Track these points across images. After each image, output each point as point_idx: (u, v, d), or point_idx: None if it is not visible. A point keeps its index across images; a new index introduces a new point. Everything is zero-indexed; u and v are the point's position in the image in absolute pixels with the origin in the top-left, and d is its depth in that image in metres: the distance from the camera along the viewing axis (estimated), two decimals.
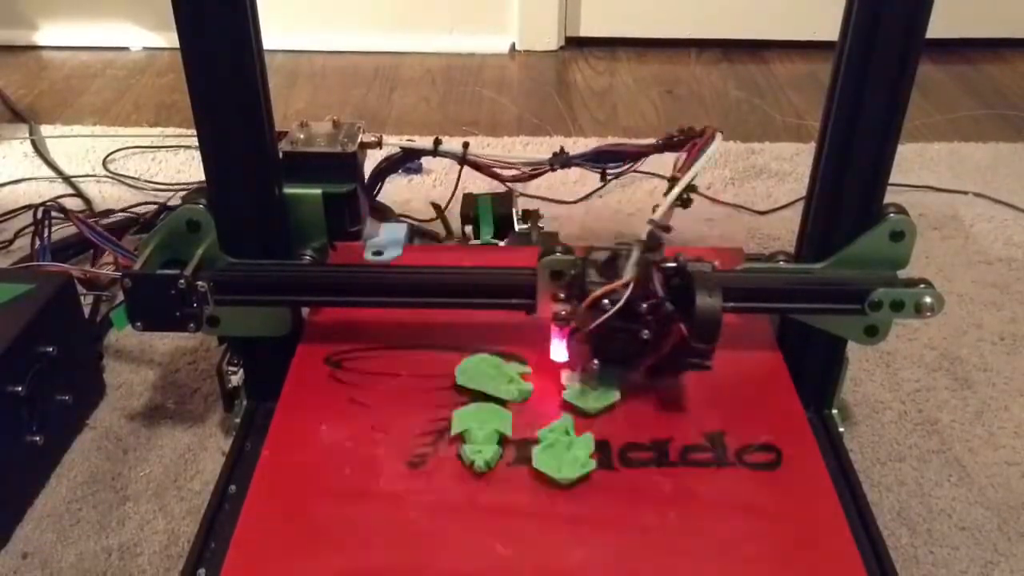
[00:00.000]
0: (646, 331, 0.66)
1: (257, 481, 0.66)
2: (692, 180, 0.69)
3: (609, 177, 0.79)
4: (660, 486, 0.65)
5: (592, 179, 0.86)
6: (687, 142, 0.74)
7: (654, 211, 0.69)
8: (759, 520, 0.63)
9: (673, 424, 0.70)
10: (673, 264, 0.67)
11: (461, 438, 0.68)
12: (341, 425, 0.70)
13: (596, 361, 0.69)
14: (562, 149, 0.77)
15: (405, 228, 0.88)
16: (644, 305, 0.66)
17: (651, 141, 0.79)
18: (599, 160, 0.77)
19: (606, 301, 0.65)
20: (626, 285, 0.65)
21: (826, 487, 0.65)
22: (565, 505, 0.63)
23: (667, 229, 0.67)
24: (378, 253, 0.84)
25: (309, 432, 0.70)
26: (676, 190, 0.68)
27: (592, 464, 0.65)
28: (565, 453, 0.66)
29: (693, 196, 0.72)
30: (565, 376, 0.73)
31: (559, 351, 0.72)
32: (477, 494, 0.64)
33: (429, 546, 0.61)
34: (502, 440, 0.68)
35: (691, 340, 0.65)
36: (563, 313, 0.69)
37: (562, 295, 0.69)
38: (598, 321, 0.66)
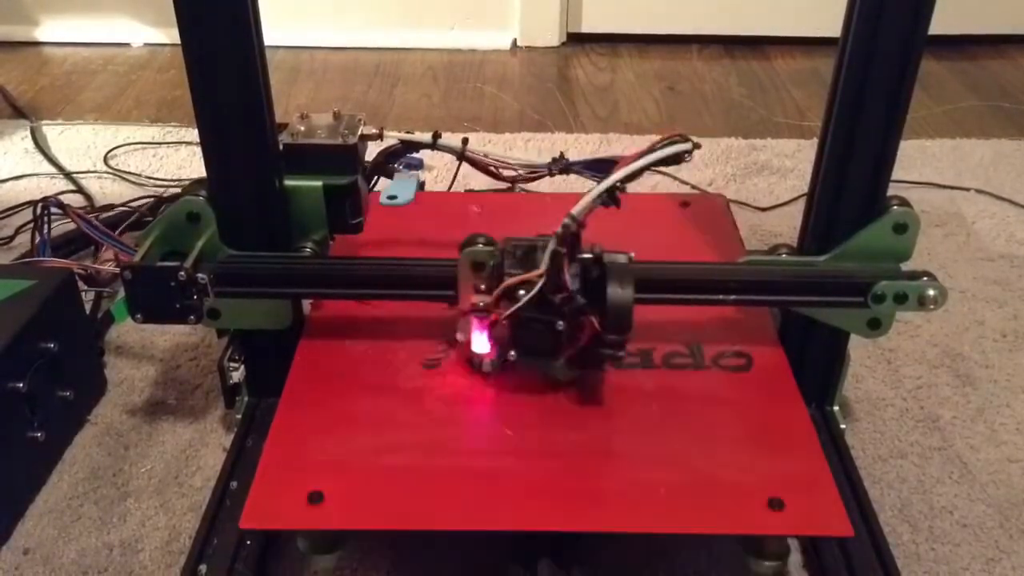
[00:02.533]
0: (560, 322, 0.67)
1: (291, 381, 0.73)
2: (624, 179, 0.68)
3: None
4: (645, 383, 0.73)
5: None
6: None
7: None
8: (731, 410, 0.71)
9: (657, 335, 0.77)
10: (590, 256, 0.67)
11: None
12: (363, 338, 0.77)
13: (513, 353, 0.69)
14: (562, 155, 0.77)
15: (416, 178, 0.87)
16: (557, 297, 0.66)
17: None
18: (599, 169, 0.76)
19: (521, 291, 0.66)
20: (540, 276, 0.66)
21: (790, 384, 0.73)
22: (562, 398, 0.71)
23: (582, 224, 0.66)
24: (392, 197, 0.83)
25: (335, 345, 0.77)
26: (601, 186, 0.67)
27: None
28: None
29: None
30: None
31: (480, 342, 0.72)
32: (485, 389, 0.73)
33: (444, 428, 0.69)
34: None
35: (603, 332, 0.66)
36: (481, 304, 0.69)
37: (482, 287, 0.70)
38: (509, 311, 0.66)
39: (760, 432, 0.69)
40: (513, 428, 0.69)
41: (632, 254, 0.69)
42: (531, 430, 0.69)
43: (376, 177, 0.83)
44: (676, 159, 0.70)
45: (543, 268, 0.66)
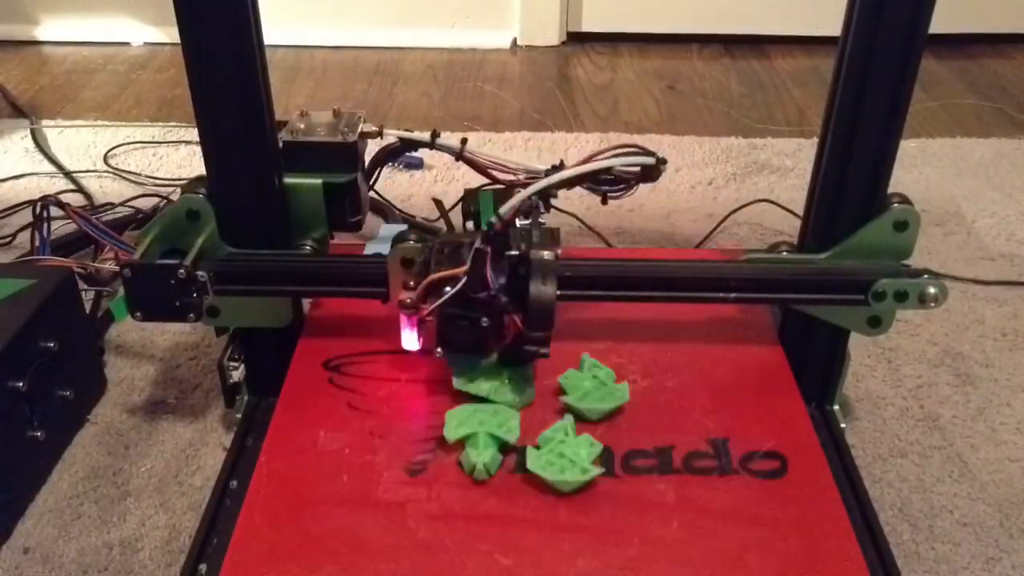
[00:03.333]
0: (485, 319, 0.67)
1: (254, 489, 0.65)
2: (552, 185, 0.68)
3: (611, 198, 0.77)
4: (664, 495, 0.64)
5: None
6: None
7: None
8: (764, 530, 0.62)
9: (676, 429, 0.69)
10: (517, 253, 0.67)
11: (461, 444, 0.67)
12: (340, 431, 0.70)
13: (439, 349, 0.69)
14: (562, 163, 0.77)
15: (405, 228, 0.87)
16: (481, 294, 0.66)
17: (655, 151, 0.77)
18: (596, 181, 0.76)
19: (447, 288, 0.66)
20: (465, 272, 0.66)
21: (832, 496, 0.64)
22: (567, 514, 0.63)
23: (507, 223, 0.67)
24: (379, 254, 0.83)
25: (307, 438, 0.69)
26: (530, 189, 0.68)
27: (596, 470, 0.64)
28: (565, 457, 0.65)
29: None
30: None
31: (409, 339, 0.72)
32: (478, 502, 0.64)
33: (429, 556, 0.60)
34: (503, 446, 0.67)
35: (525, 328, 0.66)
36: (408, 301, 0.69)
37: (411, 283, 0.69)
38: (431, 307, 0.66)
39: (799, 560, 0.60)
40: (510, 556, 0.60)
41: (559, 251, 0.68)
42: (531, 558, 0.60)
43: (376, 173, 0.83)
44: (645, 174, 0.70)
45: (468, 264, 0.66)
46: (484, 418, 0.68)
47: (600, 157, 0.69)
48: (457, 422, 0.68)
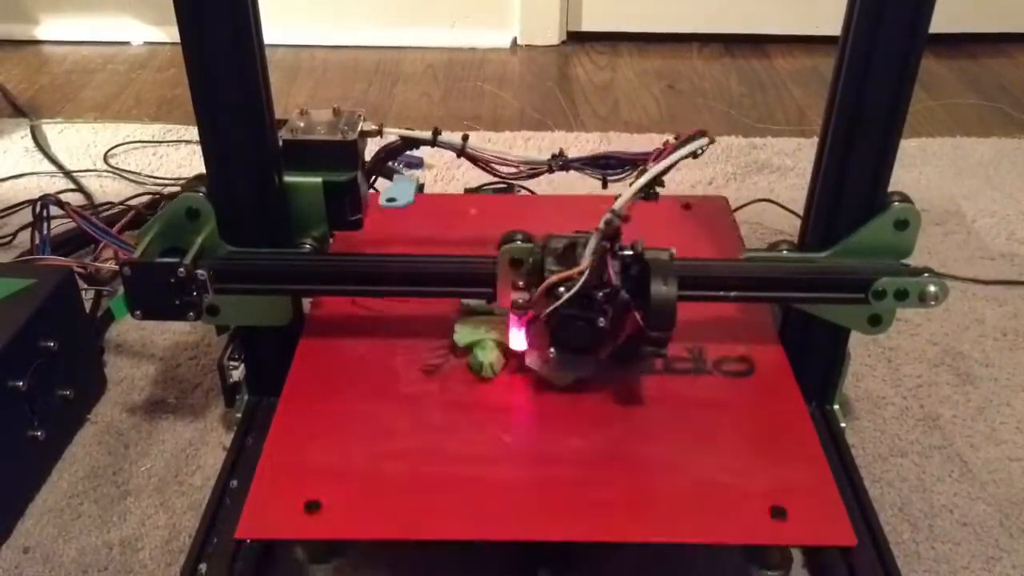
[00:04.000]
0: (602, 319, 0.66)
1: (289, 385, 0.72)
2: (660, 174, 0.68)
3: (610, 181, 0.77)
4: (646, 389, 0.73)
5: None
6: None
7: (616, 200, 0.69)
8: (732, 415, 0.71)
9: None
10: (631, 252, 0.67)
11: (469, 350, 0.74)
12: (362, 339, 0.77)
13: (553, 349, 0.69)
14: (561, 151, 0.77)
15: (416, 181, 0.87)
16: (600, 293, 0.66)
17: (650, 149, 0.77)
18: (598, 166, 0.76)
19: (561, 288, 0.66)
20: (581, 273, 0.65)
21: (791, 388, 0.73)
22: (561, 403, 0.71)
23: (625, 219, 0.66)
24: (391, 200, 0.83)
25: (334, 347, 0.76)
26: (641, 181, 0.67)
27: None
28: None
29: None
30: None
31: (517, 339, 0.72)
32: (484, 395, 0.72)
33: (442, 435, 0.68)
34: (506, 350, 0.73)
35: (646, 328, 0.66)
36: (521, 301, 0.69)
37: (521, 283, 0.69)
38: (552, 307, 0.66)
39: (763, 440, 0.69)
40: (511, 435, 0.69)
41: (674, 250, 0.69)
42: (528, 437, 0.69)
43: (375, 175, 0.83)
44: (694, 153, 0.70)
45: (586, 263, 0.65)
46: (490, 326, 0.75)
47: (678, 145, 0.69)
48: (466, 330, 0.75)
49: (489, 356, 0.73)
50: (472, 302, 0.78)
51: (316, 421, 0.69)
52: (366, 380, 0.73)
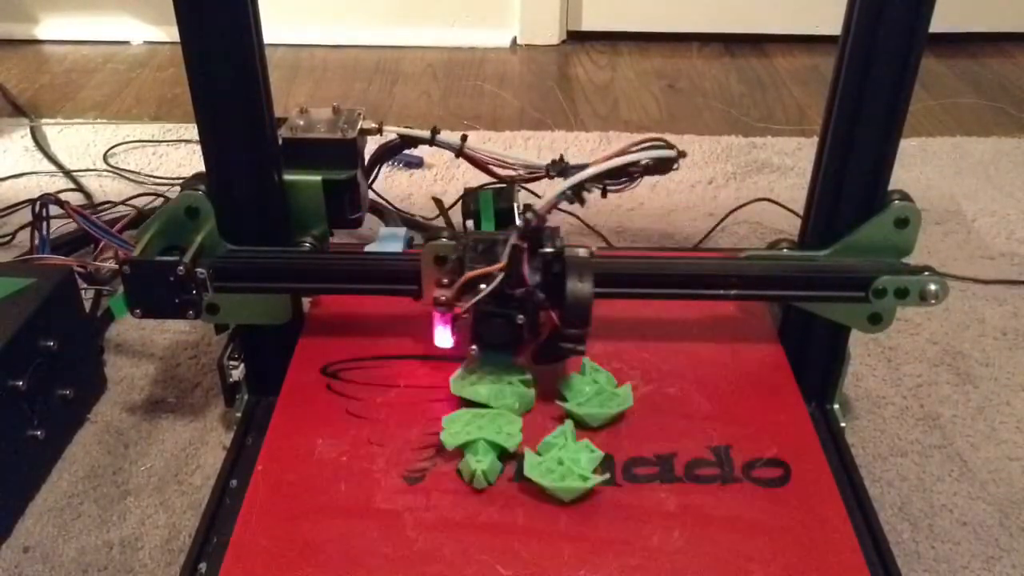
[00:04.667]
0: (520, 316, 0.67)
1: (250, 497, 0.64)
2: (587, 179, 0.67)
3: (611, 191, 0.77)
4: (665, 503, 0.63)
5: None
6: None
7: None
8: (767, 539, 0.61)
9: (678, 436, 0.69)
10: (551, 250, 0.67)
11: (460, 452, 0.66)
12: (338, 439, 0.69)
13: (474, 347, 0.69)
14: (562, 157, 0.77)
15: (404, 232, 0.87)
16: (517, 291, 0.66)
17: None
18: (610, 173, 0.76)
19: (482, 285, 0.66)
20: (500, 269, 0.65)
21: (835, 504, 0.64)
22: (567, 523, 0.62)
23: (543, 219, 0.66)
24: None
25: (305, 446, 0.68)
26: (566, 184, 0.67)
27: (596, 478, 0.64)
28: (565, 464, 0.64)
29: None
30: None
31: (442, 337, 0.71)
32: (477, 511, 0.63)
33: (427, 566, 0.59)
34: (502, 453, 0.66)
35: (562, 325, 0.66)
36: (443, 298, 0.68)
37: (445, 280, 0.69)
38: (469, 304, 0.66)
39: (803, 566, 0.59)
40: (509, 567, 0.59)
41: (593, 248, 0.68)
42: (531, 569, 0.59)
43: (376, 171, 0.83)
44: (661, 166, 0.69)
45: (503, 261, 0.66)
46: (483, 424, 0.67)
47: (630, 150, 0.69)
48: (456, 428, 0.67)
49: (483, 463, 0.64)
50: (461, 390, 0.71)
51: (279, 545, 0.61)
52: (339, 494, 0.64)
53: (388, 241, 0.81)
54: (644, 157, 0.68)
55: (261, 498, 0.64)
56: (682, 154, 0.69)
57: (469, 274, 0.66)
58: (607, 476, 0.64)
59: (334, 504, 0.64)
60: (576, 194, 0.68)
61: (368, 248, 0.81)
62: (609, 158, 0.69)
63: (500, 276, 0.66)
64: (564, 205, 0.69)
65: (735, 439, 0.68)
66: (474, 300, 0.66)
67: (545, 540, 0.61)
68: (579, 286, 0.65)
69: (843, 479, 0.73)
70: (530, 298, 0.66)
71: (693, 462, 0.67)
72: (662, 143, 0.70)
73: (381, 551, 0.60)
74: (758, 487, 0.65)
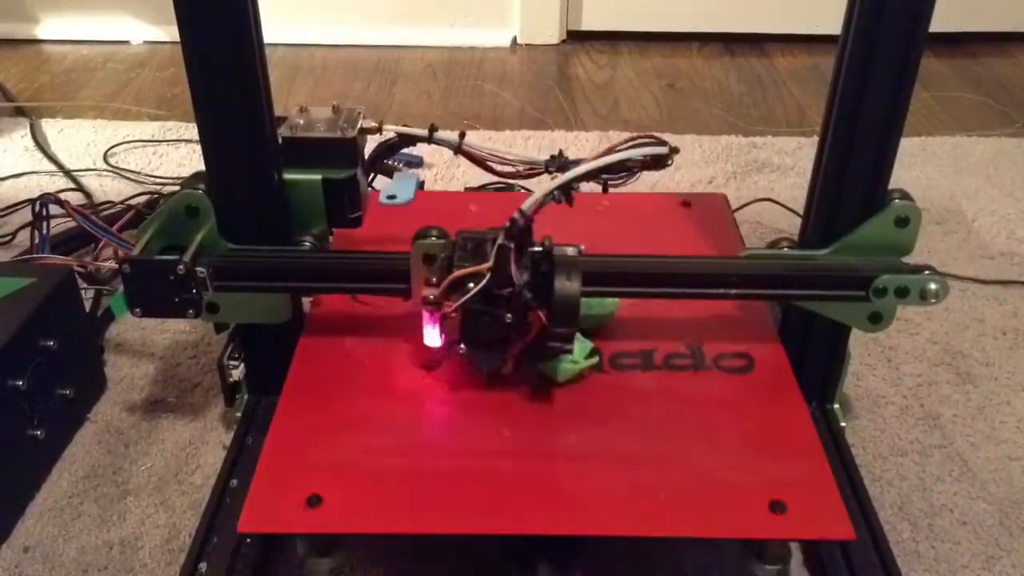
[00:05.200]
0: (508, 315, 0.67)
1: (290, 382, 0.72)
2: (577, 179, 0.67)
3: (612, 187, 0.77)
4: (646, 385, 0.73)
5: None
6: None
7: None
8: (731, 411, 0.71)
9: (659, 336, 0.77)
10: (540, 249, 0.67)
11: None
12: (362, 337, 0.77)
13: (463, 345, 0.69)
14: (561, 152, 0.77)
15: (416, 176, 0.87)
16: (505, 291, 0.66)
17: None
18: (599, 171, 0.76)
19: (470, 284, 0.66)
20: (487, 269, 0.66)
21: (790, 385, 0.73)
22: (560, 399, 0.71)
23: (530, 219, 0.66)
24: (392, 197, 0.83)
25: (334, 345, 0.76)
26: (556, 183, 0.67)
27: (587, 361, 0.72)
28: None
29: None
30: None
31: (431, 336, 0.72)
32: (485, 390, 0.72)
33: (442, 429, 0.70)
34: None
35: (549, 324, 0.66)
36: (431, 297, 0.69)
37: (434, 279, 0.69)
38: (457, 303, 0.66)
39: (762, 435, 0.69)
40: (512, 430, 0.69)
41: (582, 247, 0.69)
42: (530, 432, 0.69)
43: (375, 171, 0.83)
44: (656, 161, 0.69)
45: (491, 260, 0.66)
46: None
47: (619, 148, 0.69)
48: None
49: None
50: None
51: (316, 417, 0.69)
52: (366, 377, 0.73)
53: (401, 185, 0.80)
54: (634, 155, 0.68)
55: (303, 379, 0.73)
56: (674, 150, 0.69)
57: (456, 273, 0.66)
58: (596, 360, 0.73)
59: (364, 386, 0.73)
60: (564, 193, 0.68)
61: (383, 191, 0.80)
62: (597, 157, 0.69)
63: (487, 275, 0.66)
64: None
65: (707, 339, 0.77)
66: (462, 300, 0.66)
67: (541, 411, 0.71)
68: (566, 285, 0.65)
69: (843, 478, 0.73)
70: (517, 297, 0.66)
71: (671, 355, 0.76)
72: (652, 140, 0.70)
73: (403, 419, 0.70)
74: (725, 373, 0.74)
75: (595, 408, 0.71)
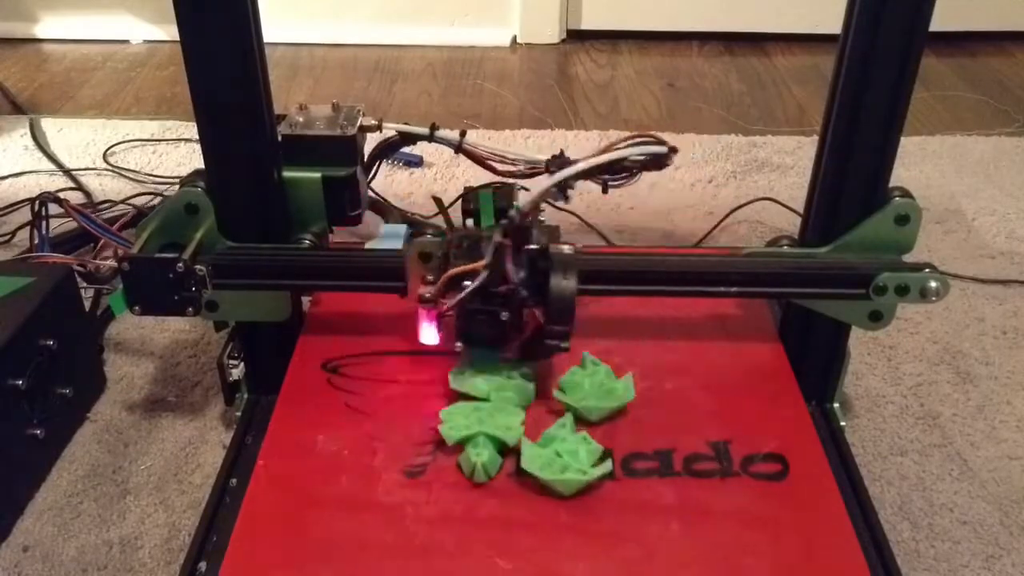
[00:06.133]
0: (505, 313, 0.66)
1: (252, 492, 0.65)
2: (573, 177, 0.67)
3: (611, 187, 0.77)
4: (664, 497, 0.64)
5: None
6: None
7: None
8: (764, 533, 0.61)
9: (677, 431, 0.69)
10: (536, 247, 0.67)
11: (460, 446, 0.66)
12: (338, 433, 0.69)
13: (459, 343, 0.69)
14: (562, 152, 0.77)
15: (406, 229, 0.87)
16: (502, 288, 0.66)
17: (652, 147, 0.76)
18: (600, 170, 0.76)
19: (467, 282, 0.66)
20: (484, 267, 0.65)
21: (834, 498, 0.64)
22: (566, 516, 0.62)
23: (527, 217, 0.66)
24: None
25: (306, 441, 0.69)
26: (552, 180, 0.66)
27: (596, 471, 0.64)
28: (563, 457, 0.65)
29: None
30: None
31: (428, 334, 0.71)
32: (477, 504, 0.63)
33: (428, 559, 0.60)
34: (502, 447, 0.66)
35: (545, 322, 0.66)
36: (428, 295, 0.68)
37: (430, 277, 0.69)
38: (453, 301, 0.66)
39: (801, 562, 0.60)
40: (509, 559, 0.60)
41: (579, 245, 0.68)
42: (531, 562, 0.60)
43: (375, 168, 0.83)
44: (656, 161, 0.69)
45: (487, 258, 0.66)
46: (483, 417, 0.67)
47: (617, 147, 0.69)
48: (455, 422, 0.67)
49: (482, 455, 0.65)
50: (460, 385, 0.72)
51: (280, 541, 0.62)
52: (340, 488, 0.65)
53: (390, 238, 0.81)
54: (632, 153, 0.68)
55: (263, 492, 0.65)
56: (673, 149, 0.69)
57: (452, 271, 0.66)
58: (608, 469, 0.64)
59: (336, 498, 0.64)
60: (561, 191, 0.68)
61: (369, 245, 0.81)
62: (597, 154, 0.69)
63: (484, 273, 0.65)
64: (563, 203, 0.69)
65: (734, 435, 0.69)
66: (459, 297, 0.66)
67: (545, 533, 0.61)
68: (563, 283, 0.65)
69: (843, 478, 0.73)
70: (514, 295, 0.66)
71: (692, 456, 0.67)
72: (651, 139, 0.69)
73: (383, 543, 0.60)
74: (757, 481, 0.65)
75: (607, 529, 0.62)
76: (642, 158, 0.69)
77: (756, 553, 0.60)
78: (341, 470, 0.66)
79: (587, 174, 0.68)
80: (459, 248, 0.68)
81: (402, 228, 0.84)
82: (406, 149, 0.81)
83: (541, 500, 0.63)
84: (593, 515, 0.62)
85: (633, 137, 0.69)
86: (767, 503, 0.63)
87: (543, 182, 0.67)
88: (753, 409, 0.71)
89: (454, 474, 0.65)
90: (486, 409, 0.69)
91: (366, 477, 0.65)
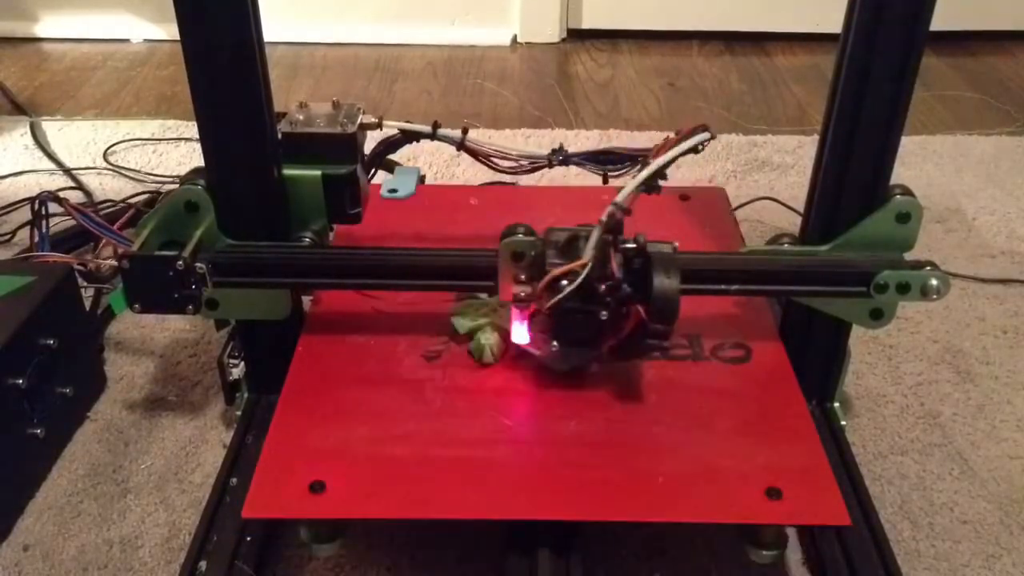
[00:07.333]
0: (604, 312, 0.66)
1: (293, 374, 0.73)
2: (662, 167, 0.68)
3: (612, 177, 0.78)
4: (644, 374, 0.74)
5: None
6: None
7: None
8: (729, 399, 0.72)
9: None
10: (633, 245, 0.67)
11: (469, 337, 0.76)
12: (364, 332, 0.78)
13: (555, 343, 0.69)
14: (561, 146, 0.77)
15: (417, 171, 0.87)
16: (602, 286, 0.66)
17: (650, 145, 0.77)
18: (598, 161, 0.76)
19: (564, 282, 0.65)
20: (584, 266, 0.65)
21: (787, 374, 0.74)
22: (561, 388, 0.72)
23: (627, 212, 0.66)
24: (393, 191, 0.82)
25: (335, 339, 0.77)
26: (644, 174, 0.67)
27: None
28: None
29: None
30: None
31: (520, 333, 0.72)
32: (485, 379, 0.73)
33: (443, 419, 0.70)
34: (506, 335, 0.74)
35: (649, 321, 0.65)
36: (522, 295, 0.68)
37: (523, 277, 0.69)
38: (554, 300, 0.66)
39: (758, 423, 0.70)
40: (512, 418, 0.69)
41: (676, 244, 0.68)
42: (529, 420, 0.70)
43: (375, 167, 0.83)
44: (695, 148, 0.71)
45: (588, 257, 0.65)
46: (488, 312, 0.77)
47: (682, 138, 0.70)
48: (466, 316, 0.77)
49: (490, 339, 0.74)
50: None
51: (320, 407, 0.70)
52: (368, 369, 0.74)
53: (403, 177, 0.80)
54: (696, 141, 0.70)
55: (306, 371, 0.74)
56: (713, 136, 0.71)
57: (556, 271, 0.66)
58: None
59: (366, 376, 0.74)
60: (652, 183, 0.68)
61: (384, 184, 0.80)
62: (671, 146, 0.70)
63: (584, 272, 0.65)
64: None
65: (705, 328, 0.78)
66: (559, 297, 0.66)
67: (541, 400, 0.72)
68: (666, 282, 0.65)
69: (843, 477, 0.73)
70: (616, 292, 0.66)
71: (670, 346, 0.75)
72: (702, 129, 0.71)
73: (406, 409, 0.71)
74: (723, 363, 0.75)
75: (594, 396, 0.71)
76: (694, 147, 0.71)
77: (720, 413, 0.71)
78: (369, 355, 0.76)
79: (668, 164, 0.69)
80: (554, 247, 0.68)
81: (414, 173, 0.83)
82: (396, 178, 0.81)
83: (540, 375, 0.73)
84: (584, 386, 0.72)
85: (691, 130, 0.70)
86: (732, 379, 0.74)
87: (631, 181, 0.68)
88: (723, 310, 0.80)
89: (466, 359, 0.75)
90: (490, 304, 0.78)
91: (391, 360, 0.75)
